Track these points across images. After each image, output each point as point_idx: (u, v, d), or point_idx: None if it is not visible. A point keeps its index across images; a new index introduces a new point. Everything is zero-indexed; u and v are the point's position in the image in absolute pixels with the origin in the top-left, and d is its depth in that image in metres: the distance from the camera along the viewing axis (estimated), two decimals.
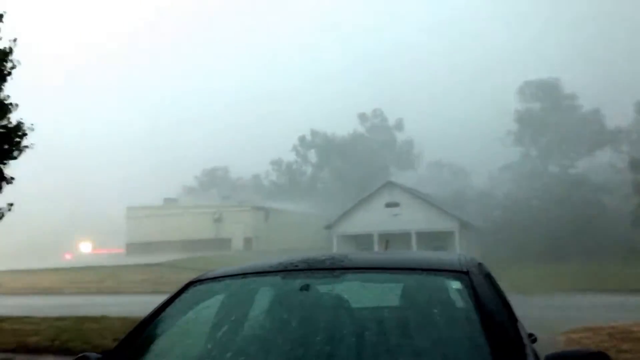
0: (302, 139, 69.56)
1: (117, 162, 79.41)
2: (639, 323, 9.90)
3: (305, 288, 2.41)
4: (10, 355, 8.24)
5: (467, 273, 2.39)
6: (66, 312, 13.51)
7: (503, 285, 3.20)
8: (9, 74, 8.06)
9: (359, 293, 2.52)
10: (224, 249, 45.78)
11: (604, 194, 47.46)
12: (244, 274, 2.72)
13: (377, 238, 37.88)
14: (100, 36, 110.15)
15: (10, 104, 8.02)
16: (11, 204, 8.10)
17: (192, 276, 2.81)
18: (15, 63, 8.00)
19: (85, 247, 58.06)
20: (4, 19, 8.07)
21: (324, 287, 2.48)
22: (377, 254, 3.31)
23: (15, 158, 8.01)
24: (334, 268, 2.54)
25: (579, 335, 9.14)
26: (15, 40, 7.94)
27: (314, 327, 2.23)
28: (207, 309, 2.60)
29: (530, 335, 3.50)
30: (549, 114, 53.34)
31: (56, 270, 32.89)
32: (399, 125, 64.88)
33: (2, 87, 7.99)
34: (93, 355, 2.36)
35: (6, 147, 7.91)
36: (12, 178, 8.06)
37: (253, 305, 2.59)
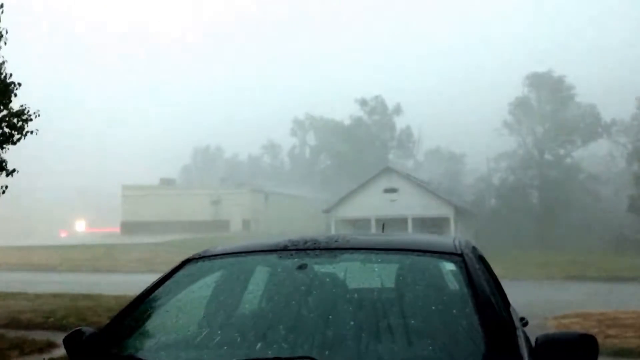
0: (297, 122, 69.32)
1: (113, 140, 79.25)
2: (626, 311, 10.08)
3: (302, 267, 2.42)
4: (1, 331, 8.22)
5: (461, 255, 2.42)
6: (61, 289, 13.55)
7: (496, 271, 3.21)
8: None
9: (355, 273, 2.54)
10: (222, 231, 45.84)
11: (599, 184, 47.73)
12: (241, 252, 2.73)
13: (374, 223, 38.07)
14: (101, 14, 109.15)
15: (13, 83, 7.70)
16: (5, 187, 7.87)
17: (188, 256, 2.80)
18: (3, 32, 7.60)
19: (80, 226, 58.01)
20: None
21: (320, 267, 2.49)
22: (373, 235, 3.33)
23: (14, 143, 7.77)
24: (331, 248, 2.55)
25: (569, 321, 9.28)
26: (2, 5, 7.51)
27: (309, 305, 2.24)
28: (203, 286, 2.60)
29: (522, 319, 3.53)
30: (545, 104, 53.46)
31: (51, 247, 32.90)
32: (398, 110, 64.73)
33: (5, 67, 7.67)
34: (88, 329, 2.36)
35: (7, 131, 7.66)
36: (14, 170, 7.79)
37: (250, 283, 2.60)
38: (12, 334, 7.98)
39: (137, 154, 73.87)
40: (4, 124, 7.67)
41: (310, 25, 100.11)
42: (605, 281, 19.00)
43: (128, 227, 51.05)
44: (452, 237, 2.82)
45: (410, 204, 38.95)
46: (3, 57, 7.74)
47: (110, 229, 53.12)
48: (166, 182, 58.05)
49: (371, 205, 39.14)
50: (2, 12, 7.49)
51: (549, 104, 53.29)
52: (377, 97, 64.58)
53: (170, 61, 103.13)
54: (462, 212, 41.11)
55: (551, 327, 8.49)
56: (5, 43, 7.65)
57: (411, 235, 3.64)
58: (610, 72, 59.50)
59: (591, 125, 52.01)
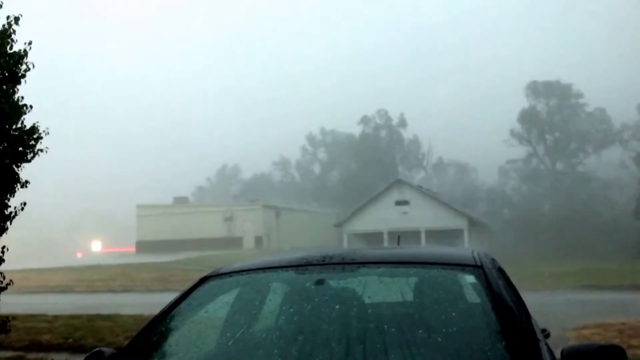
0: (310, 138, 69.53)
1: (127, 160, 79.89)
2: None
3: (320, 282, 2.42)
4: (22, 353, 8.27)
5: (481, 267, 2.41)
6: (78, 310, 13.60)
7: (513, 282, 3.19)
8: (23, 76, 8.07)
9: (374, 287, 2.52)
10: (236, 248, 45.89)
11: (612, 191, 47.27)
12: (258, 269, 2.74)
13: (387, 236, 37.90)
14: (113, 30, 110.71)
15: (25, 105, 8.02)
16: (24, 204, 8.09)
17: (203, 274, 2.82)
18: (30, 65, 8.02)
19: (96, 246, 58.36)
20: (20, 22, 8.08)
21: (338, 282, 2.49)
22: (390, 248, 3.32)
23: (29, 161, 8.04)
24: (348, 263, 2.54)
25: (589, 332, 9.14)
26: (30, 43, 7.95)
27: (328, 321, 2.24)
28: (221, 304, 2.61)
29: (544, 330, 3.50)
30: (555, 112, 53.17)
31: (68, 269, 33.06)
32: (403, 123, 64.71)
33: (17, 89, 8.01)
34: (107, 350, 2.36)
35: (21, 150, 7.92)
36: (27, 182, 8.07)
37: (267, 300, 2.60)
38: (32, 355, 8.04)
39: (151, 174, 74.41)
40: (19, 144, 7.91)
41: (316, 35, 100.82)
42: (624, 290, 18.72)
43: (143, 247, 51.26)
44: (471, 248, 2.81)
45: (422, 216, 38.76)
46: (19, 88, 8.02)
47: (125, 249, 53.38)
48: (180, 201, 58.36)
49: (383, 218, 39.03)
50: (30, 48, 7.91)
51: (557, 112, 53.02)
52: (379, 111, 64.67)
53: (182, 81, 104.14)
54: (476, 223, 40.81)
55: (571, 339, 8.38)
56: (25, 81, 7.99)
57: (429, 248, 3.60)
58: (618, 76, 59.05)
59: (603, 132, 51.66)
